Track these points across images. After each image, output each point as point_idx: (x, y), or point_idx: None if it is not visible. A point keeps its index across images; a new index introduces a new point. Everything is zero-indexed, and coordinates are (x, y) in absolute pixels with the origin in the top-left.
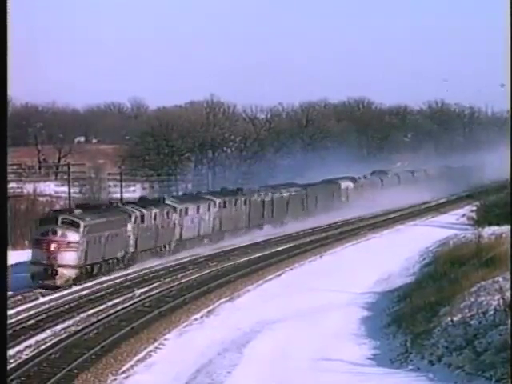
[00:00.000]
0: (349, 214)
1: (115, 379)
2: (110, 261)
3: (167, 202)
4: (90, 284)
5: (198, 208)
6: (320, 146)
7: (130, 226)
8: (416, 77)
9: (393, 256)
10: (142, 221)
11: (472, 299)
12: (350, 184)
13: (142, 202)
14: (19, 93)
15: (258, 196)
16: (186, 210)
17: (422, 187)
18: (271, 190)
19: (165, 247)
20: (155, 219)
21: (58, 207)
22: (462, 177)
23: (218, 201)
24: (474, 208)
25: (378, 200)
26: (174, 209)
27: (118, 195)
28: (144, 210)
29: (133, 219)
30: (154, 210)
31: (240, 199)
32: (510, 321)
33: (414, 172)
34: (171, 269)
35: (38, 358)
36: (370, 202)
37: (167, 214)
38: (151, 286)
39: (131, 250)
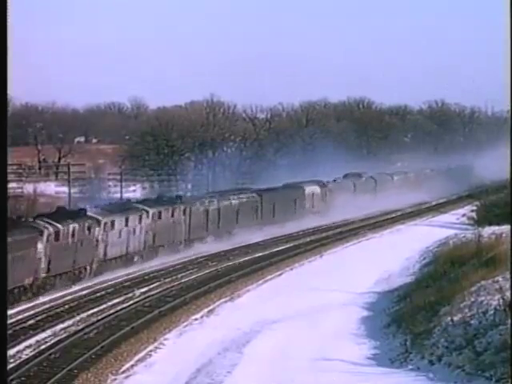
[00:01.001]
0: (312, 222)
1: (115, 379)
2: (16, 290)
3: (89, 213)
4: None
5: (127, 220)
6: (320, 146)
7: (40, 246)
8: (416, 77)
9: (393, 256)
10: (57, 238)
11: (472, 299)
12: (317, 189)
13: (58, 215)
14: (19, 93)
15: (201, 204)
16: (112, 222)
17: (402, 192)
18: (218, 196)
19: (85, 269)
20: (73, 236)
21: None
22: (448, 180)
23: (151, 211)
24: (474, 208)
25: (349, 207)
26: (98, 222)
27: (118, 195)
28: (59, 225)
29: (45, 237)
30: (72, 225)
31: (179, 208)
32: (510, 321)
33: (394, 175)
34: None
35: (37, 358)
36: (338, 209)
37: (88, 228)
38: None
39: (42, 274)
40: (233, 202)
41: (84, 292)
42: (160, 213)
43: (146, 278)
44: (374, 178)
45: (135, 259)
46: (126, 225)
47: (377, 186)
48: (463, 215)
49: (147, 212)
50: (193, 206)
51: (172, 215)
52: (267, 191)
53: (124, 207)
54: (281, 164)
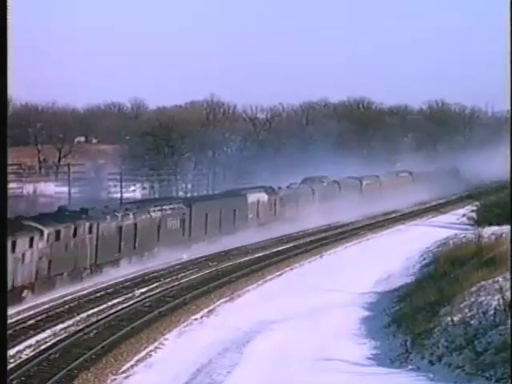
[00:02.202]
0: (255, 237)
1: (115, 379)
2: None
3: None
4: None
5: (14, 245)
6: (320, 146)
7: None
8: (416, 77)
9: (393, 256)
10: None
11: (472, 299)
12: (263, 196)
13: None
14: (19, 93)
15: (113, 219)
16: None
17: (371, 199)
18: (135, 209)
19: None
20: None
21: None
22: (428, 185)
23: (47, 231)
24: (474, 208)
25: (304, 217)
26: None
27: (118, 195)
28: None
29: None
30: None
31: (83, 226)
32: (510, 321)
33: (363, 180)
34: None
35: (37, 358)
36: (290, 221)
37: None
38: None
39: None
40: (153, 214)
41: None
42: (58, 232)
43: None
44: (337, 183)
45: (24, 294)
46: (13, 251)
47: (341, 192)
48: (463, 215)
49: (41, 232)
50: (102, 222)
51: (74, 234)
52: (198, 200)
53: (12, 226)
54: (281, 164)
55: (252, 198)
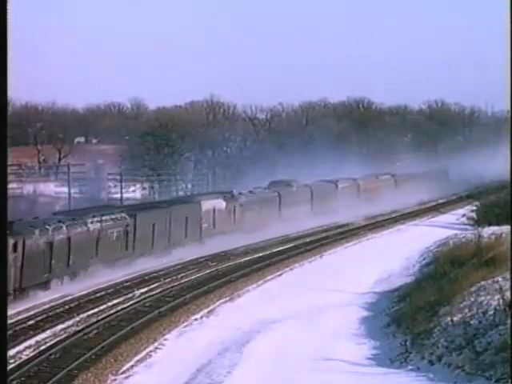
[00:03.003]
0: (212, 249)
1: (115, 379)
2: None
3: None
4: None
5: None
6: (320, 146)
7: None
8: (416, 77)
9: (393, 256)
10: None
11: (472, 299)
12: (220, 203)
13: None
14: (19, 93)
15: (42, 234)
16: None
17: (348, 204)
18: (69, 220)
19: None
20: None
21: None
22: (411, 188)
23: None
24: (474, 208)
25: (266, 226)
26: None
27: (118, 195)
28: None
29: None
30: None
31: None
32: (509, 321)
33: (339, 183)
34: None
35: (37, 359)
36: (251, 230)
37: None
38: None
39: None
40: (91, 226)
41: None
42: None
43: None
44: (309, 187)
45: None
46: None
47: (313, 197)
48: (463, 215)
49: None
50: (28, 238)
51: None
52: (144, 209)
53: None
54: (281, 164)
55: (207, 205)
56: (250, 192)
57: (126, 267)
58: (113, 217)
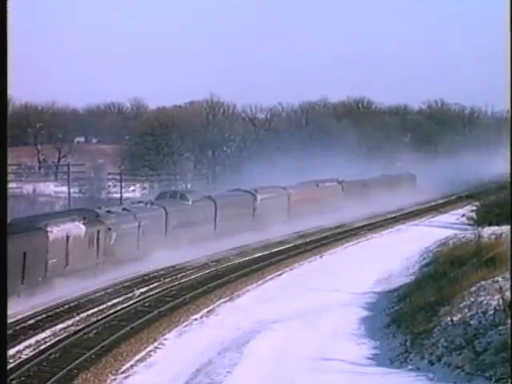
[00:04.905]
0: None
1: (115, 379)
2: None
3: None
4: None
5: None
6: (320, 146)
7: None
8: (416, 77)
9: (393, 256)
10: None
11: (472, 299)
12: (78, 228)
13: None
14: (19, 93)
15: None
16: None
17: (266, 224)
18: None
19: None
20: None
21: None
22: (365, 197)
23: None
24: (474, 208)
25: (147, 257)
26: None
27: (118, 195)
28: None
29: None
30: None
31: None
32: (509, 321)
33: (258, 194)
34: None
35: (37, 358)
36: (122, 264)
37: None
38: None
39: None
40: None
41: None
42: None
43: None
44: (212, 200)
45: None
46: None
47: (218, 215)
48: (463, 215)
49: None
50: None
51: None
52: None
53: None
54: (281, 164)
55: (57, 232)
56: (124, 209)
57: None
58: None
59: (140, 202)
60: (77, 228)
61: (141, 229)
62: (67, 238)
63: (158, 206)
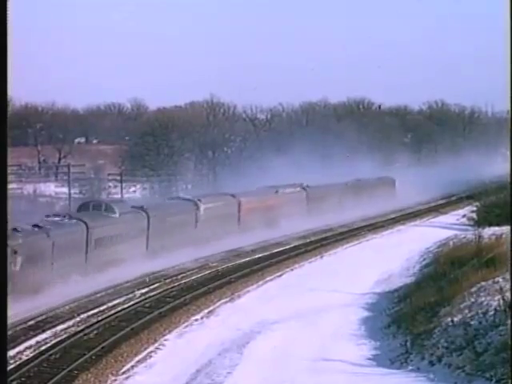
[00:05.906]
0: None
1: (115, 379)
2: None
3: None
4: None
5: None
6: (320, 146)
7: None
8: (416, 77)
9: (393, 256)
10: None
11: (472, 299)
12: None
13: None
14: (19, 93)
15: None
16: None
17: (209, 238)
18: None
19: None
20: None
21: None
22: (333, 205)
23: None
24: (474, 208)
25: (61, 284)
26: None
27: (119, 195)
28: None
29: None
30: None
31: None
32: (510, 321)
33: (202, 202)
34: None
35: (38, 359)
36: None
37: None
38: None
39: None
40: None
41: None
42: None
43: None
44: (145, 212)
45: None
46: None
47: (151, 228)
48: (463, 216)
49: None
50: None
51: None
52: None
53: None
54: (281, 164)
55: None
56: (35, 226)
57: None
58: None
59: (56, 216)
60: None
61: (55, 250)
62: None
63: (77, 220)
